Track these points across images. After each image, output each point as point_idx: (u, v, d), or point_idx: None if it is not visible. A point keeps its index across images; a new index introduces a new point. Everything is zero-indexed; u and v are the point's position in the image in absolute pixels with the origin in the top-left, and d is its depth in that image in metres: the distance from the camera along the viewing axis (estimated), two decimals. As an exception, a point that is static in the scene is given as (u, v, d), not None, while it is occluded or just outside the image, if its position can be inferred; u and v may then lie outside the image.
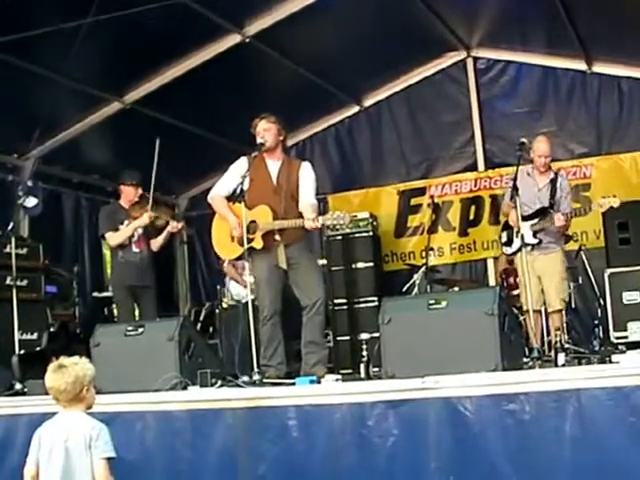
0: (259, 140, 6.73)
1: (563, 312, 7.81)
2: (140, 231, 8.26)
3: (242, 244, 6.44)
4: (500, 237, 8.42)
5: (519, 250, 7.80)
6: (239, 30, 8.85)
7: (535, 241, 7.71)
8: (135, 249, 8.27)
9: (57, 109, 9.14)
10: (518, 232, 7.86)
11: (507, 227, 8.16)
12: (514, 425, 4.60)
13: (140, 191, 8.33)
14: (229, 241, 6.79)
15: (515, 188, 7.01)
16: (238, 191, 6.43)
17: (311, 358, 6.63)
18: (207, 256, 12.20)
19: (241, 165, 6.78)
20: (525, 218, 7.77)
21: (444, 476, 4.68)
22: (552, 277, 7.68)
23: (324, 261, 10.03)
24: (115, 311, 9.19)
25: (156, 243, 8.44)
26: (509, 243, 8.11)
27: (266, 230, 6.61)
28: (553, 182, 7.88)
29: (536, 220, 7.75)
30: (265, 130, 6.81)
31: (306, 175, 6.89)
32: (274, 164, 6.89)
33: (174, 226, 8.31)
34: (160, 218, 8.31)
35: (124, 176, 8.46)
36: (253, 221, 6.58)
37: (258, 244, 6.61)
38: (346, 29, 9.19)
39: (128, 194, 8.35)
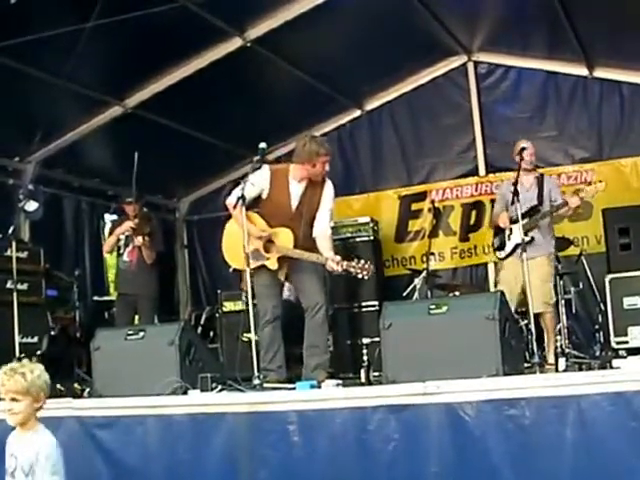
0: (262, 144, 6.39)
1: (551, 315, 7.79)
2: (135, 242, 8.69)
3: (255, 256, 6.42)
4: (493, 243, 8.44)
5: (513, 252, 7.85)
6: (240, 34, 8.84)
7: (527, 239, 7.72)
8: (125, 258, 8.80)
9: (58, 113, 9.16)
10: (510, 235, 7.93)
11: (498, 232, 8.19)
12: (515, 430, 4.59)
13: (137, 206, 8.82)
14: (241, 250, 6.40)
15: (516, 193, 7.02)
16: (247, 198, 6.31)
17: (312, 362, 6.62)
18: (208, 260, 12.21)
19: (263, 175, 6.65)
20: (516, 220, 7.82)
21: (445, 481, 4.68)
22: (534, 280, 7.62)
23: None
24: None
25: (145, 256, 8.77)
26: (502, 247, 8.14)
27: (283, 255, 6.58)
28: (539, 181, 8.01)
29: (527, 219, 7.77)
30: (324, 165, 6.74)
31: (327, 198, 6.82)
32: (298, 186, 6.78)
33: (137, 240, 8.67)
34: (141, 229, 8.69)
35: (122, 196, 9.06)
36: (271, 240, 6.55)
37: (273, 265, 6.59)
38: (348, 33, 9.19)
39: (128, 211, 8.85)
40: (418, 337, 5.42)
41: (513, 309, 7.46)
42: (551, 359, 7.27)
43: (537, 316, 7.69)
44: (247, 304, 6.36)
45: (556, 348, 6.45)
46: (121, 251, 8.84)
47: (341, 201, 11.53)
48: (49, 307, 9.32)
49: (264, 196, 6.53)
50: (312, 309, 6.62)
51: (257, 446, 5.18)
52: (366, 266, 6.37)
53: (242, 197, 6.25)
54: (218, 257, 7.24)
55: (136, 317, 8.89)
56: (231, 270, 6.88)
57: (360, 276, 6.38)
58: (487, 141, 11.10)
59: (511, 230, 7.96)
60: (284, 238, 6.57)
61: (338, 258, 6.46)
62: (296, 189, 6.77)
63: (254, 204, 6.47)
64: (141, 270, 8.72)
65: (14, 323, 7.96)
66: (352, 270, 6.41)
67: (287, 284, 7.32)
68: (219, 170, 11.59)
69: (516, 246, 7.84)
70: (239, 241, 6.33)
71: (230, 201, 6.66)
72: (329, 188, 6.85)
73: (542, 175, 8.15)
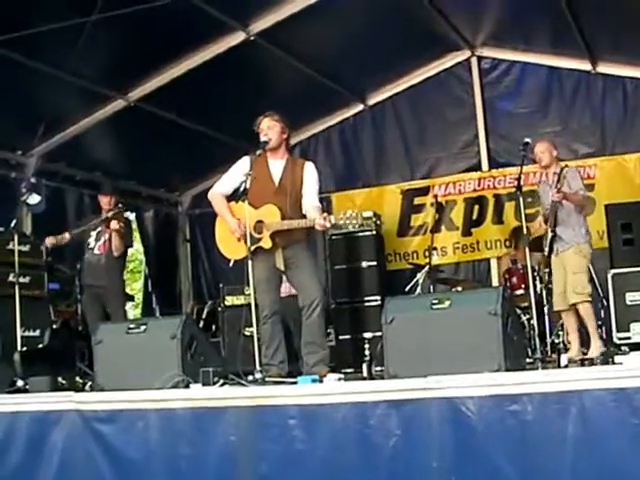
0: (262, 138, 6.67)
1: (584, 305, 7.68)
2: (106, 236, 8.83)
3: (250, 240, 6.37)
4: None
5: (551, 250, 7.84)
6: (244, 28, 8.84)
7: (550, 235, 7.73)
8: (97, 251, 8.91)
9: (61, 106, 9.14)
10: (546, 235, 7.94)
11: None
12: (516, 426, 4.58)
13: (113, 199, 9.05)
14: (235, 240, 6.61)
15: (519, 187, 7.01)
16: (241, 190, 6.35)
17: (311, 358, 6.58)
18: (210, 254, 12.19)
19: (243, 164, 6.70)
20: (547, 219, 7.84)
21: (446, 476, 4.67)
22: (567, 272, 7.69)
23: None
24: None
25: (113, 246, 8.84)
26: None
27: (275, 230, 6.56)
28: (559, 176, 7.91)
29: (551, 217, 7.79)
30: (269, 128, 6.75)
31: (310, 176, 6.82)
32: (277, 163, 6.82)
33: (113, 224, 8.73)
34: (115, 218, 8.78)
35: (99, 187, 9.32)
36: (260, 221, 6.53)
37: (267, 244, 6.53)
38: (351, 27, 9.17)
39: (103, 202, 9.05)
40: (420, 332, 5.40)
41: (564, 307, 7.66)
42: (596, 350, 7.38)
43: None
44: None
45: (558, 344, 6.42)
46: (91, 245, 8.91)
47: (344, 195, 11.59)
48: (51, 300, 9.32)
49: (248, 185, 6.50)
50: (309, 306, 6.57)
51: (258, 440, 5.17)
52: (353, 215, 6.34)
53: (243, 192, 6.28)
54: (220, 251, 7.23)
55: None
56: (231, 264, 6.84)
57: (350, 227, 6.39)
58: (490, 136, 11.10)
59: (546, 230, 7.94)
60: (270, 214, 6.56)
61: (324, 214, 6.45)
62: (276, 165, 6.81)
63: (243, 196, 6.43)
64: (107, 263, 8.83)
65: (16, 316, 7.96)
66: (341, 222, 6.39)
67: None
68: (221, 164, 11.46)
69: (550, 244, 7.85)
70: (231, 232, 6.63)
71: (210, 194, 6.98)
72: (310, 167, 6.88)
73: (562, 169, 7.99)
